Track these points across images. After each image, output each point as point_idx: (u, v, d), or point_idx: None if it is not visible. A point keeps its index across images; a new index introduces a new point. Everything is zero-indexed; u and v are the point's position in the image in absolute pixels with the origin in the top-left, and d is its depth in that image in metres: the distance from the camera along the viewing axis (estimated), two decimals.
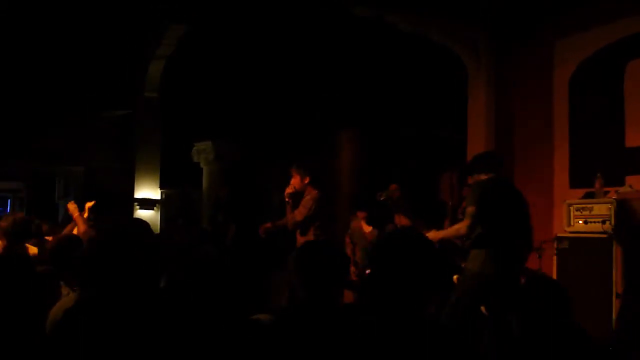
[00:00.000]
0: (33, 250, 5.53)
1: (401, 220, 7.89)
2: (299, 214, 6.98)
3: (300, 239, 7.03)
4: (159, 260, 2.92)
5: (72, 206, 6.48)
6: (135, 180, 14.05)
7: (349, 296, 7.17)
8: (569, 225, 6.88)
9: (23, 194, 19.74)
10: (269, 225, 7.41)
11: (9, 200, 20.25)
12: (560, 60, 9.07)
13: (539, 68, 9.29)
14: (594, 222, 6.56)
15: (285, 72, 12.35)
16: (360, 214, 8.13)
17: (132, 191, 13.97)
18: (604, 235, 6.39)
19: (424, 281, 2.42)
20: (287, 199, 7.12)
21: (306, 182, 7.09)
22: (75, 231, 6.18)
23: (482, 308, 6.60)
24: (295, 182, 7.13)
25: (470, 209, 5.71)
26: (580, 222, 6.71)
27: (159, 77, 13.80)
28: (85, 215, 6.47)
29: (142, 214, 13.74)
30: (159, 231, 12.81)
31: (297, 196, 7.12)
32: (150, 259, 2.84)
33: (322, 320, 2.59)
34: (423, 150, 11.28)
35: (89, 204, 6.62)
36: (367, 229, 8.04)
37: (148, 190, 14.07)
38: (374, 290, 2.50)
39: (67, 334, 2.68)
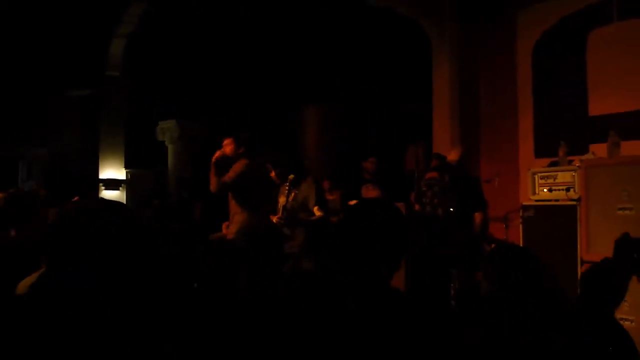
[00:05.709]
0: None
1: (369, 192, 7.93)
2: (227, 177, 6.91)
3: (235, 209, 6.96)
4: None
5: None
6: (100, 161, 13.87)
7: None
8: (534, 193, 6.89)
9: None
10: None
11: None
12: (523, 30, 9.10)
13: (502, 38, 9.31)
14: (559, 189, 6.59)
15: (248, 49, 12.23)
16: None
17: (96, 172, 13.79)
18: (569, 203, 6.43)
19: (385, 250, 2.32)
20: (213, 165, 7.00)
21: (240, 151, 7.02)
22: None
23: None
24: (228, 149, 7.05)
25: None
26: (545, 190, 6.74)
27: (120, 55, 13.59)
28: None
29: (107, 194, 13.57)
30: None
31: (226, 163, 7.03)
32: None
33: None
34: (389, 123, 11.26)
35: None
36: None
37: (113, 171, 13.90)
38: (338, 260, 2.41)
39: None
